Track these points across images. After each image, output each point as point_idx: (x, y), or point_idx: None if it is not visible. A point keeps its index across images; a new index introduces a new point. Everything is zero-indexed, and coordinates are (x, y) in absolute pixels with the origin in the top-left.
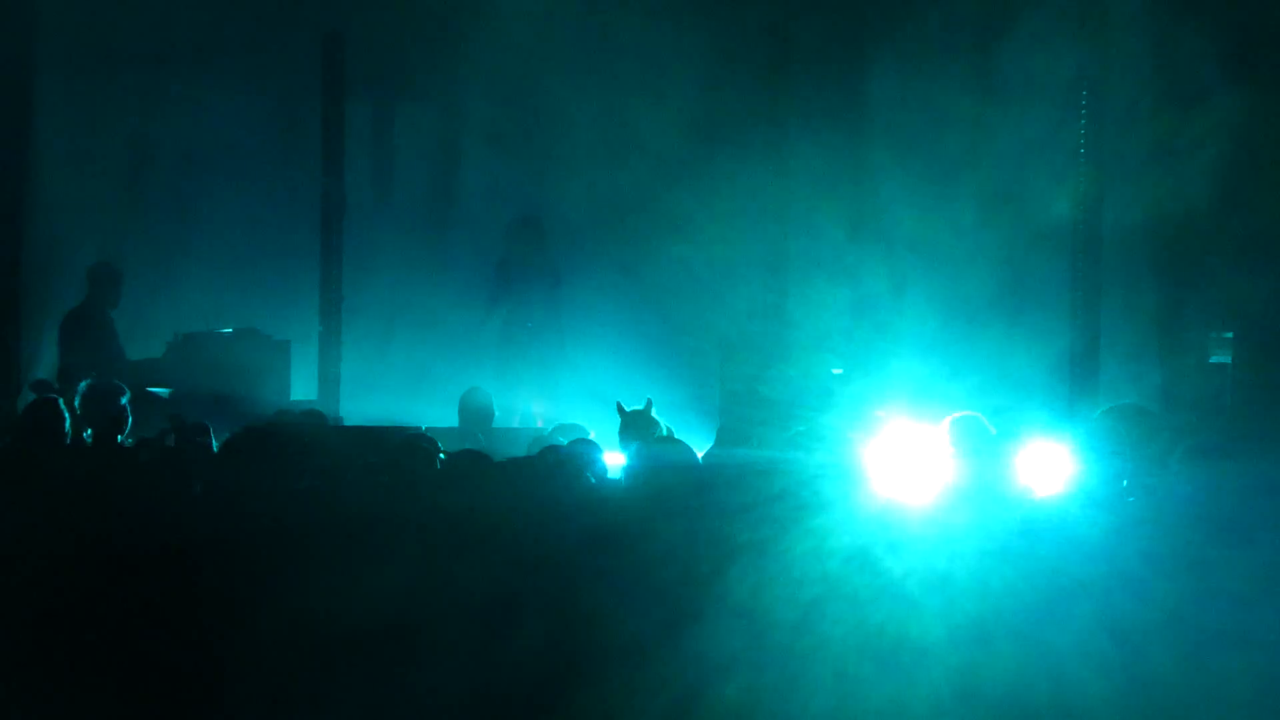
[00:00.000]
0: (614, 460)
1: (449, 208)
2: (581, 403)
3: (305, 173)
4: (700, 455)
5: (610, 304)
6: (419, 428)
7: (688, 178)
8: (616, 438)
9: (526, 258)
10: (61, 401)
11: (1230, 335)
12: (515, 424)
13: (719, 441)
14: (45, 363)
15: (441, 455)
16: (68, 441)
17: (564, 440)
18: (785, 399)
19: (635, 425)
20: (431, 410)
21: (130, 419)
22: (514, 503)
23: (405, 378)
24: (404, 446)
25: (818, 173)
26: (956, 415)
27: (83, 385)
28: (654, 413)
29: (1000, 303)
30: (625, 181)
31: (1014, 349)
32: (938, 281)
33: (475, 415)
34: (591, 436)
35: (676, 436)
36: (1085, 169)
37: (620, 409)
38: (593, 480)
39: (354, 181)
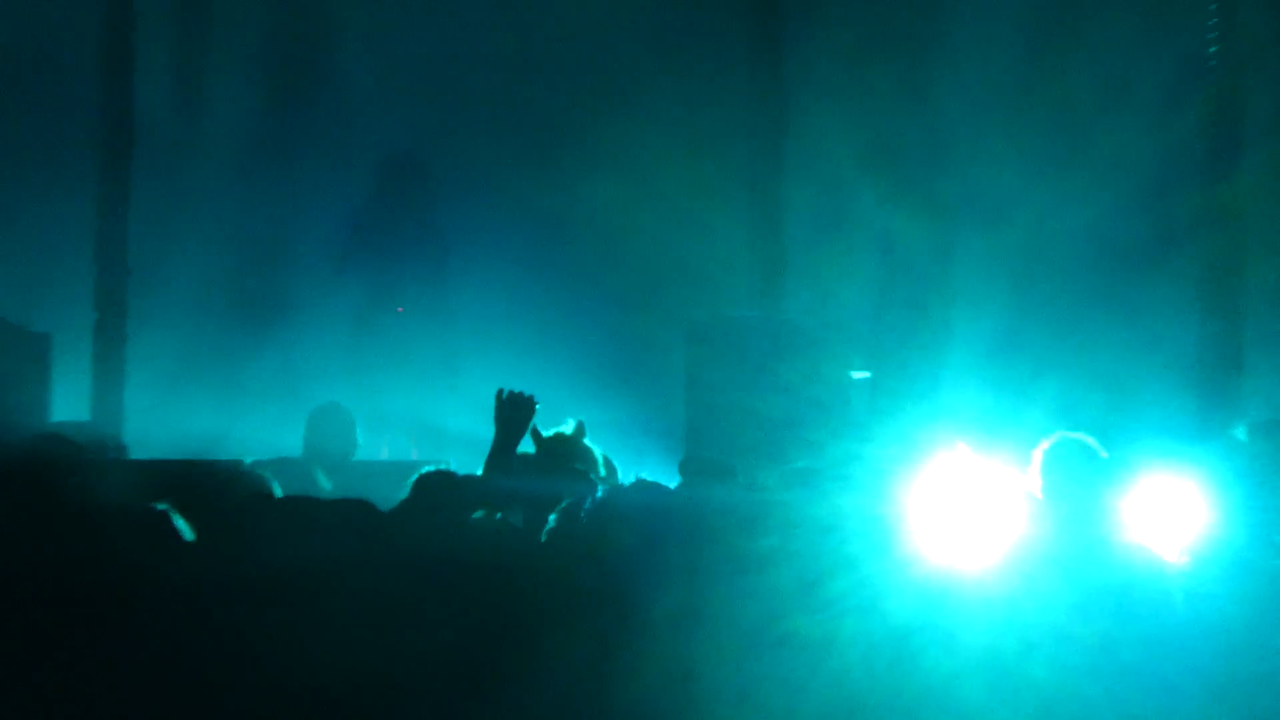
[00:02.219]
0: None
1: (286, 140)
2: (479, 422)
3: (75, 88)
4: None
5: (522, 278)
6: (239, 460)
7: (636, 94)
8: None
9: (398, 211)
10: None
11: None
12: (384, 454)
13: (685, 478)
14: None
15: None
16: None
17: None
18: (784, 417)
19: (557, 458)
20: (263, 433)
21: None
22: (384, 569)
23: (220, 387)
24: (220, 487)
25: (830, 88)
26: (1057, 438)
27: None
28: (589, 440)
29: (1099, 278)
30: (543, 99)
31: (1120, 343)
32: (1007, 248)
33: (329, 441)
34: None
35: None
36: (1218, 79)
37: (535, 435)
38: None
39: (148, 101)
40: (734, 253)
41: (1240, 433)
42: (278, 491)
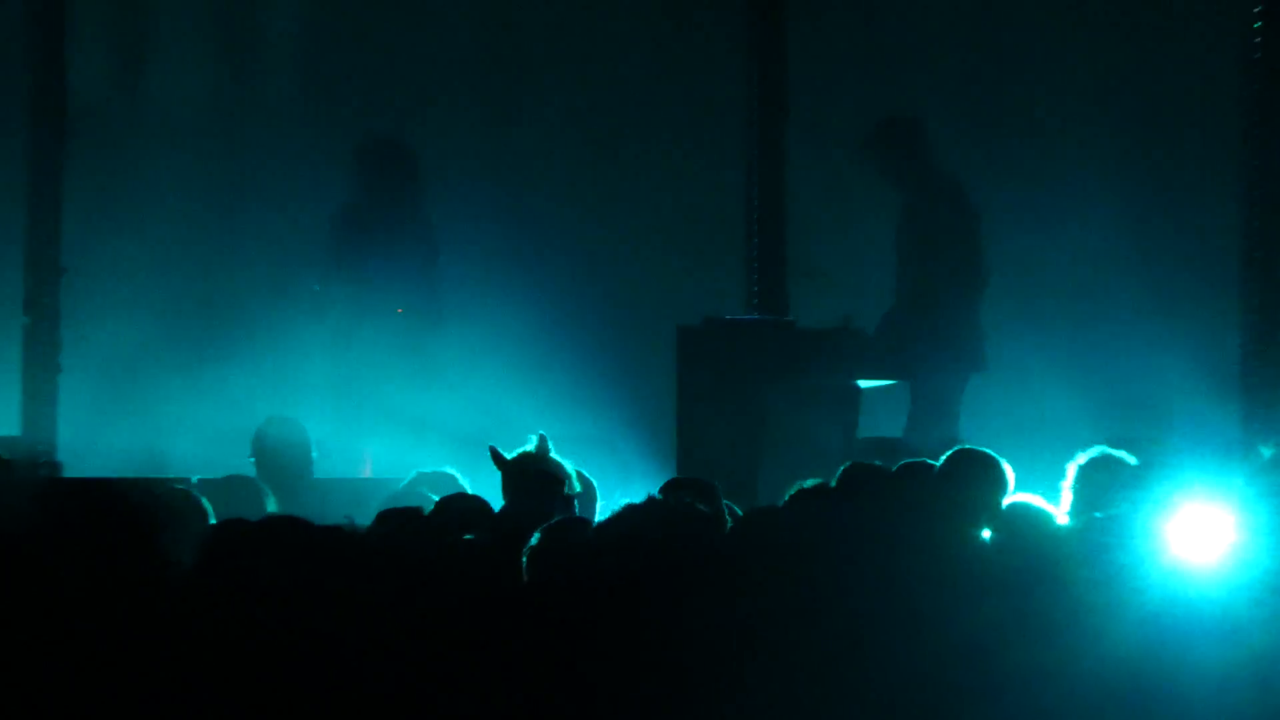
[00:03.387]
0: None
1: (248, 123)
2: (455, 440)
3: (2, 73)
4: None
5: (505, 281)
6: (187, 479)
7: (629, 90)
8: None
9: (386, 206)
10: None
11: None
12: (366, 471)
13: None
14: None
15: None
16: None
17: (433, 496)
18: (785, 430)
19: (524, 479)
20: (210, 450)
21: None
22: (344, 608)
23: (168, 396)
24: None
25: (835, 82)
26: (1093, 452)
27: None
28: (558, 454)
29: (1127, 276)
30: (529, 96)
31: (1149, 350)
32: (1021, 244)
33: (279, 457)
34: None
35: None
36: (1262, 74)
37: (496, 457)
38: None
39: (85, 76)
40: (726, 257)
41: (1266, 452)
42: (210, 514)
